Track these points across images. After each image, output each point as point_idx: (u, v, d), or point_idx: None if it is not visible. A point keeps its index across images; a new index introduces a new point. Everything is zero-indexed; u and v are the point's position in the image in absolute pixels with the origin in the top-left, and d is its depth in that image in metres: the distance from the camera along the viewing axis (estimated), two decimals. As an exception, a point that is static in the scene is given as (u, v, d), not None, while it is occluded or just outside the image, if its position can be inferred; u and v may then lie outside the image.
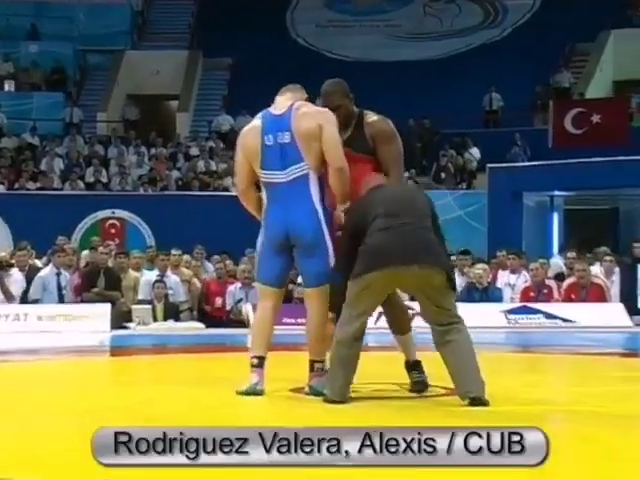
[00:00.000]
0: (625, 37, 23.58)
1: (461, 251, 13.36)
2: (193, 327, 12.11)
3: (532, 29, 24.69)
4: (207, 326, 12.23)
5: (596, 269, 13.10)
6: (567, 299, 12.66)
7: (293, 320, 11.22)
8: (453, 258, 13.24)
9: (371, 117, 5.42)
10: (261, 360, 5.16)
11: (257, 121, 5.29)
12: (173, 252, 12.94)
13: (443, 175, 20.27)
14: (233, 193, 12.22)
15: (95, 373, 7.42)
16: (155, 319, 12.08)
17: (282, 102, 5.27)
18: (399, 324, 5.47)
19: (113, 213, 17.74)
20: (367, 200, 5.06)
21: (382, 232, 4.89)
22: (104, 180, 19.71)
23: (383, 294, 5.02)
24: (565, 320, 12.26)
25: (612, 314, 12.33)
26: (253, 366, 5.15)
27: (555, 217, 18.53)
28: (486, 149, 20.09)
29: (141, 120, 24.35)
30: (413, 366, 5.42)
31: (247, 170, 5.30)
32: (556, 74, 23.12)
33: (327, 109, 5.29)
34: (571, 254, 13.51)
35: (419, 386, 5.33)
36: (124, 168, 20.00)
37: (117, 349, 10.03)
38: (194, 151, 21.17)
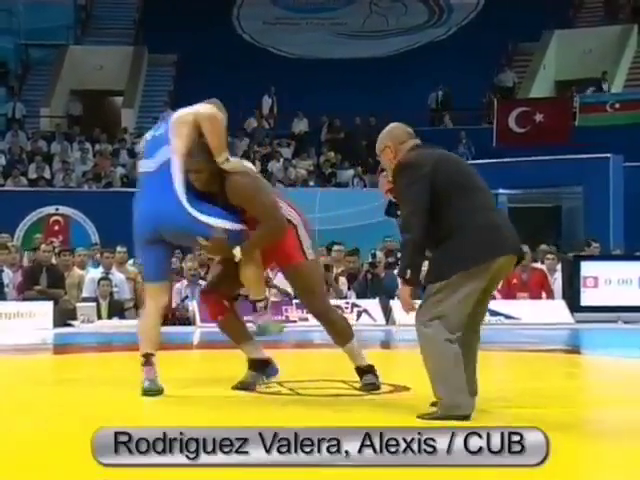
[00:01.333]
0: (567, 37, 23.91)
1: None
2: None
3: (476, 28, 24.90)
4: (152, 324, 12.14)
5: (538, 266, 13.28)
6: (507, 284, 12.73)
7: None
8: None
9: (229, 175, 5.12)
10: (146, 357, 5.15)
11: None
12: (118, 249, 12.83)
13: (389, 173, 20.33)
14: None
15: (36, 371, 7.32)
16: (100, 317, 11.97)
17: None
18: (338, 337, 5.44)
19: (57, 210, 17.52)
20: (426, 158, 4.54)
21: (493, 213, 4.44)
22: (47, 176, 19.46)
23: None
24: (509, 317, 12.39)
25: (554, 311, 12.49)
26: (141, 364, 5.17)
27: (499, 215, 18.70)
28: (431, 147, 20.19)
29: (85, 116, 24.08)
30: (366, 370, 5.39)
31: None
32: (500, 73, 23.35)
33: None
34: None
35: (369, 387, 5.31)
36: (68, 164, 19.77)
37: (60, 347, 9.91)
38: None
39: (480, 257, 4.30)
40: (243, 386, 5.33)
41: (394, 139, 4.77)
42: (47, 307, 11.64)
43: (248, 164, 5.55)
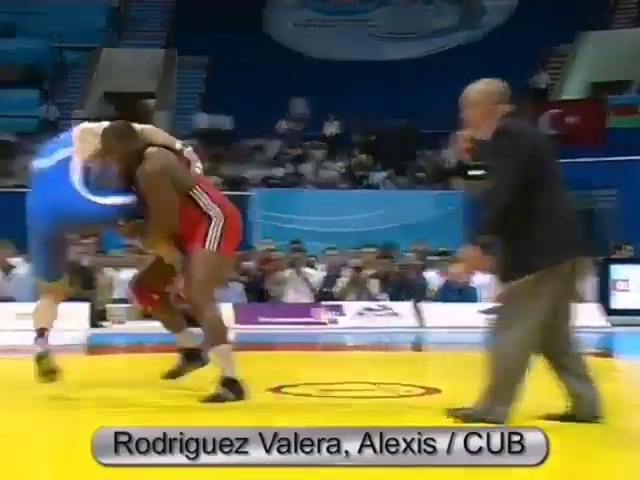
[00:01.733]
0: (603, 39, 23.72)
1: (440, 252, 13.44)
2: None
3: (510, 30, 24.78)
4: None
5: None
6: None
7: (269, 319, 11.19)
8: (434, 258, 13.30)
9: (145, 161, 5.11)
10: (40, 331, 5.29)
11: None
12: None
13: (421, 175, 20.31)
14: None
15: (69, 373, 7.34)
16: (131, 318, 12.02)
17: None
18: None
19: (89, 211, 17.60)
20: (531, 135, 4.25)
21: (569, 211, 4.26)
22: (80, 178, 19.58)
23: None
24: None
25: (588, 314, 12.39)
26: (35, 338, 5.30)
27: (532, 217, 18.59)
28: (463, 149, 20.11)
29: (118, 118, 24.18)
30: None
31: None
32: (534, 75, 23.23)
33: None
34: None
35: (212, 398, 5.03)
36: (101, 166, 19.87)
37: (94, 348, 9.96)
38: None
39: (556, 258, 4.10)
40: (172, 375, 5.43)
41: (488, 96, 4.31)
42: (82, 308, 11.71)
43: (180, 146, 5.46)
